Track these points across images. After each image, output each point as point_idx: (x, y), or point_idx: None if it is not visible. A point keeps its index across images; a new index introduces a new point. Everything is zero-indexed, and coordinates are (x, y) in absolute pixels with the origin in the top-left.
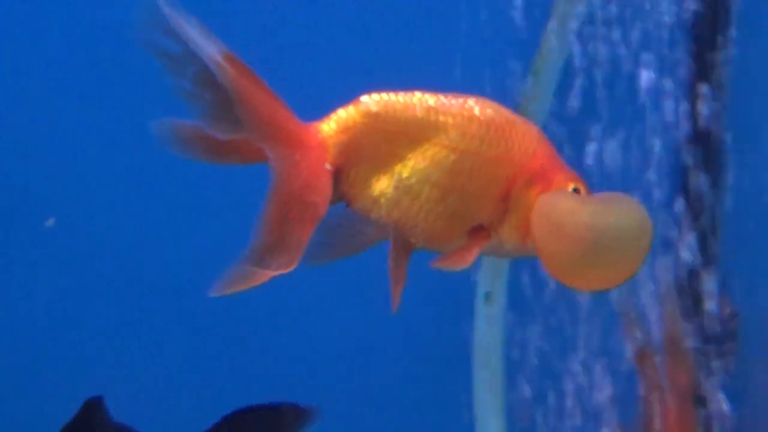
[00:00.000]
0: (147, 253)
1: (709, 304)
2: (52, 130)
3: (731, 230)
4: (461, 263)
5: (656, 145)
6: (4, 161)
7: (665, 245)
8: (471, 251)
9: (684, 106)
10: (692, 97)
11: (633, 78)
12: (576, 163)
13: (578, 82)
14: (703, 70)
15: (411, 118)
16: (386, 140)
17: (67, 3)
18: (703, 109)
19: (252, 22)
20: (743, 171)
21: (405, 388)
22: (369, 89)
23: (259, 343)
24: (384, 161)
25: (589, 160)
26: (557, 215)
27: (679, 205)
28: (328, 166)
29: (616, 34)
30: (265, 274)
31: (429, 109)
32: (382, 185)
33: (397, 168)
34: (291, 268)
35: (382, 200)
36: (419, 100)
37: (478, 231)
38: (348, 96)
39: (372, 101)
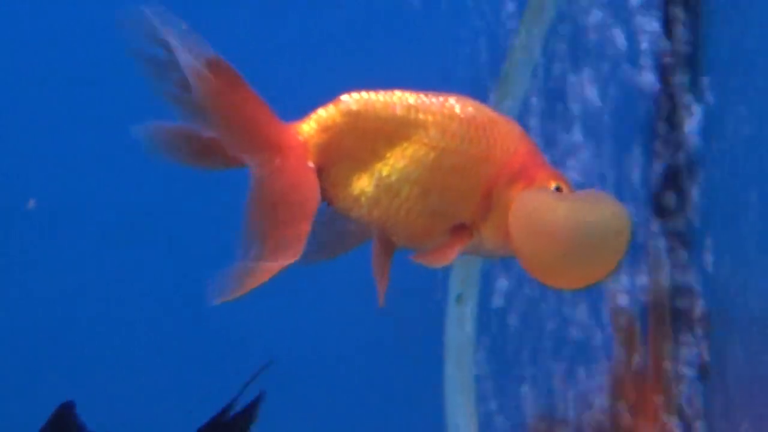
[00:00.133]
0: (144, 254)
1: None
2: (44, 132)
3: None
4: (442, 260)
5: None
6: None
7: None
8: (452, 249)
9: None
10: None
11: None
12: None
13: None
14: None
15: (391, 117)
16: (366, 139)
17: (53, 7)
18: None
19: (236, 23)
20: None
21: (376, 389)
22: (349, 88)
23: (230, 343)
24: (364, 160)
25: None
26: (534, 212)
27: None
28: (311, 165)
29: None
30: (271, 267)
31: (409, 107)
32: (363, 184)
33: (378, 166)
34: (295, 259)
35: (363, 199)
36: (399, 99)
37: (460, 229)
38: (328, 95)
39: (352, 100)
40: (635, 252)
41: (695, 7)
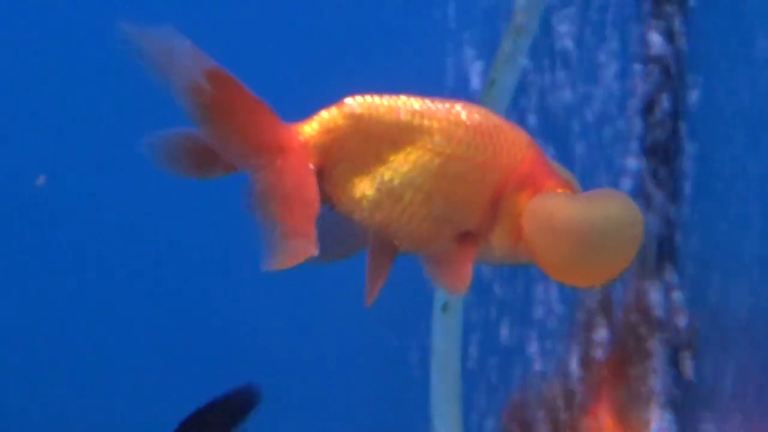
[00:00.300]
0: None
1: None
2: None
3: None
4: (461, 282)
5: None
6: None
7: None
8: (465, 265)
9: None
10: None
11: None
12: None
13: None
14: None
15: (395, 121)
16: (369, 142)
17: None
18: None
19: (239, 23)
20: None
21: (362, 398)
22: (355, 92)
23: (216, 347)
24: (367, 163)
25: None
26: (548, 214)
27: None
28: (311, 166)
29: None
30: (297, 253)
31: (414, 112)
32: (364, 187)
33: (380, 170)
34: (312, 254)
35: (364, 202)
36: (404, 104)
37: (467, 240)
38: (333, 98)
39: (356, 103)
40: None
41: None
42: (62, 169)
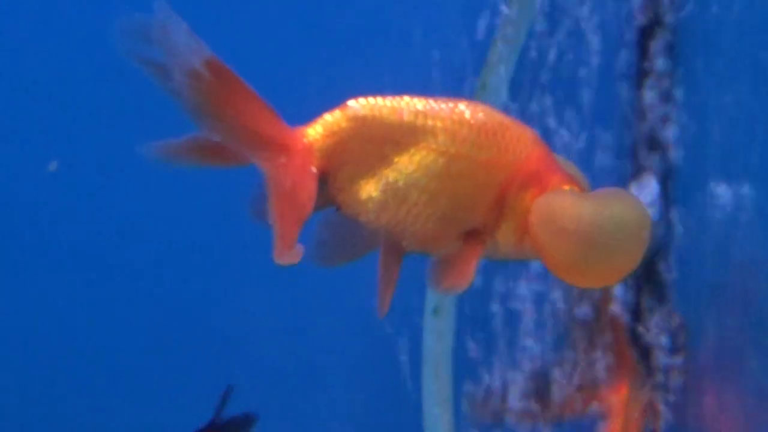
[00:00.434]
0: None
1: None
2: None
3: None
4: (463, 279)
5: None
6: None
7: None
8: (469, 264)
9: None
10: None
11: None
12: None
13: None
14: None
15: (398, 122)
16: (373, 144)
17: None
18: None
19: (242, 25)
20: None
21: (353, 401)
22: (358, 94)
23: (209, 347)
24: (371, 165)
25: None
26: (556, 212)
27: None
28: (313, 170)
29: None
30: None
31: (417, 113)
32: (370, 189)
33: (385, 172)
34: (296, 260)
35: (370, 204)
36: (407, 105)
37: (473, 238)
38: (337, 100)
39: (359, 105)
40: None
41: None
42: (62, 169)
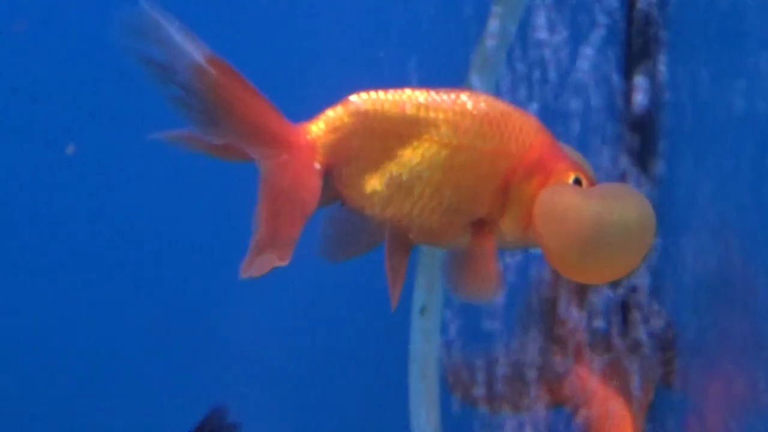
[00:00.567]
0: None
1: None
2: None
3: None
4: (488, 281)
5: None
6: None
7: None
8: (487, 260)
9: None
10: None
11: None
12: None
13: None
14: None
15: (400, 116)
16: (376, 138)
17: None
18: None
19: (242, 23)
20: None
21: (341, 401)
22: (360, 88)
23: (196, 350)
24: (375, 159)
25: None
26: (561, 213)
27: None
28: (317, 166)
29: None
30: (264, 266)
31: (419, 105)
32: (374, 183)
33: (389, 165)
34: (284, 263)
35: (375, 198)
36: (409, 98)
37: (481, 231)
38: (339, 96)
39: (360, 100)
40: None
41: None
42: (60, 170)
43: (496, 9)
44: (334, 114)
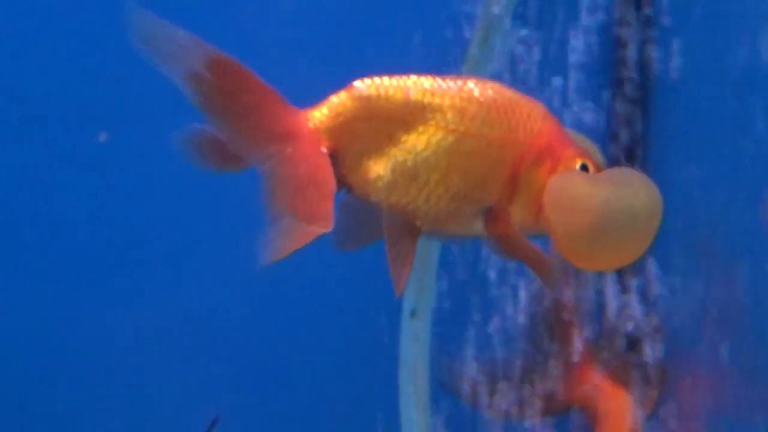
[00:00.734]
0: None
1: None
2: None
3: None
4: (535, 264)
5: None
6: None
7: None
8: (516, 247)
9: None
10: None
11: None
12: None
13: None
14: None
15: (405, 101)
16: (380, 124)
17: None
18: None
19: (247, 12)
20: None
21: (331, 404)
22: (364, 74)
23: (188, 352)
24: (379, 145)
25: None
26: (570, 201)
27: None
28: (324, 150)
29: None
30: (310, 232)
31: (424, 91)
32: (378, 169)
33: (393, 151)
34: (328, 229)
35: (379, 183)
36: (414, 83)
37: (493, 220)
38: (345, 82)
39: (364, 86)
40: None
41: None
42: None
43: None
44: (337, 99)
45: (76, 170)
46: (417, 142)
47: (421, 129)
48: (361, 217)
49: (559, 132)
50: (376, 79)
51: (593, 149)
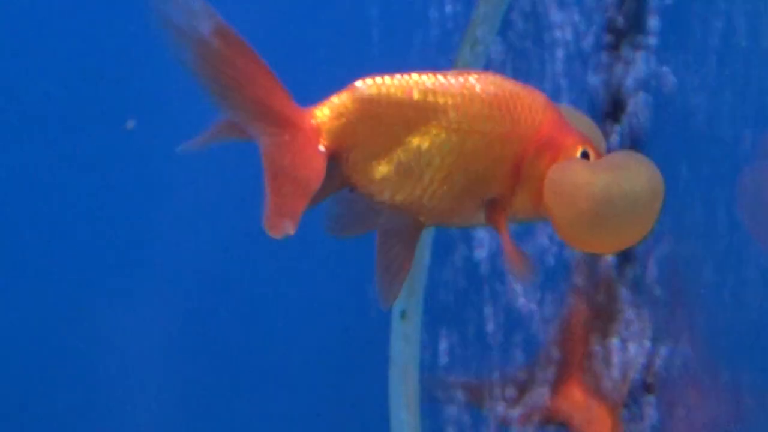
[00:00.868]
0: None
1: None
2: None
3: None
4: (518, 263)
5: None
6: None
7: None
8: (504, 241)
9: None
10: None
11: None
12: None
13: None
14: None
15: (407, 101)
16: (383, 124)
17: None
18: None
19: (247, 12)
20: None
21: (321, 405)
22: (365, 74)
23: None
24: (383, 145)
25: None
26: (570, 190)
27: None
28: (321, 148)
29: None
30: (269, 226)
31: (426, 90)
32: (383, 169)
33: (397, 152)
34: (290, 233)
35: (385, 184)
36: (416, 83)
37: (494, 209)
38: (345, 82)
39: (365, 86)
40: None
41: None
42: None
43: None
44: (338, 100)
45: (76, 170)
46: (421, 142)
47: (424, 129)
48: (358, 208)
49: (560, 121)
50: (378, 79)
51: (593, 131)
